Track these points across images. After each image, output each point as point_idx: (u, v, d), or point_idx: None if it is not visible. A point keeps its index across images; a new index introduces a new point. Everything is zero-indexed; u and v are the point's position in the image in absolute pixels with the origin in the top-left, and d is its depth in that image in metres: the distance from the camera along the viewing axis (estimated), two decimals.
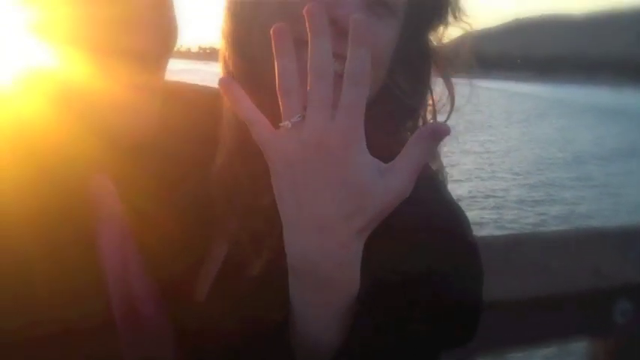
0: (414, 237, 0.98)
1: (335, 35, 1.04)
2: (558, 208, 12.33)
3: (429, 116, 1.24)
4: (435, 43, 1.19)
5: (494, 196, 12.80)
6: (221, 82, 0.90)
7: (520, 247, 1.73)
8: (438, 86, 1.25)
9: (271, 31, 0.87)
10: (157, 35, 1.08)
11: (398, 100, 1.16)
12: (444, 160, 1.27)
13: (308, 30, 0.87)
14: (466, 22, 1.20)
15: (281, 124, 0.87)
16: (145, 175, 1.00)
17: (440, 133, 0.90)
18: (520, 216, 11.69)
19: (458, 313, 1.00)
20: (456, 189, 14.21)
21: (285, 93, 0.89)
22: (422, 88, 1.19)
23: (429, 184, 1.13)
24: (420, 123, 1.22)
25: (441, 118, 1.23)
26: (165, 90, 1.12)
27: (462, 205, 1.15)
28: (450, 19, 1.20)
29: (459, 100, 1.27)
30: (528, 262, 1.68)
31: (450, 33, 1.23)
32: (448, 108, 1.20)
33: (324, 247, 0.87)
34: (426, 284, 0.99)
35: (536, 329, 1.78)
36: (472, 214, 11.72)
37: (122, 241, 1.09)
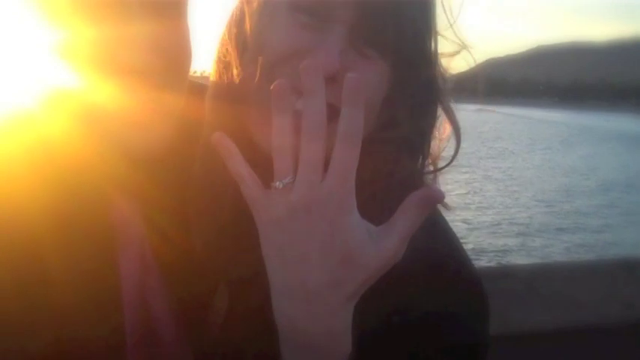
0: (411, 279, 0.95)
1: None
2: (583, 236, 12.18)
3: (438, 145, 1.23)
4: (441, 73, 1.18)
5: (517, 224, 12.66)
6: (214, 138, 0.89)
7: (547, 276, 1.68)
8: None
9: (271, 87, 0.86)
10: (160, 53, 1.08)
11: (399, 139, 1.14)
12: (467, 187, 1.25)
13: (303, 87, 0.85)
14: (470, 53, 1.19)
15: (272, 184, 0.86)
16: (163, 191, 0.99)
17: (432, 199, 0.87)
18: (544, 244, 11.54)
19: (461, 355, 0.97)
20: (479, 216, 14.02)
21: (279, 152, 0.87)
22: (425, 124, 1.17)
23: (428, 220, 1.11)
24: (428, 158, 1.21)
25: (450, 150, 1.22)
26: (181, 107, 1.12)
27: (485, 232, 1.13)
28: (453, 48, 1.19)
29: (481, 127, 1.26)
30: (555, 293, 1.63)
31: (469, 60, 1.22)
32: (455, 140, 1.19)
33: (313, 315, 0.84)
34: (428, 328, 0.96)
35: None
36: (496, 242, 11.69)
37: (142, 263, 1.08)
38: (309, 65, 0.84)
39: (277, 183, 0.85)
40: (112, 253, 1.04)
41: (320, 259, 0.85)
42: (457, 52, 1.19)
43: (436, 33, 1.17)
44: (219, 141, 0.89)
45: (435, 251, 1.04)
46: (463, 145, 1.23)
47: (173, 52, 1.10)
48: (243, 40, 1.14)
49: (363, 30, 1.05)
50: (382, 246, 0.86)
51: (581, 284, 1.62)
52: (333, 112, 1.01)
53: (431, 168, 1.19)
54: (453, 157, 1.18)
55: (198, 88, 1.21)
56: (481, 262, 8.81)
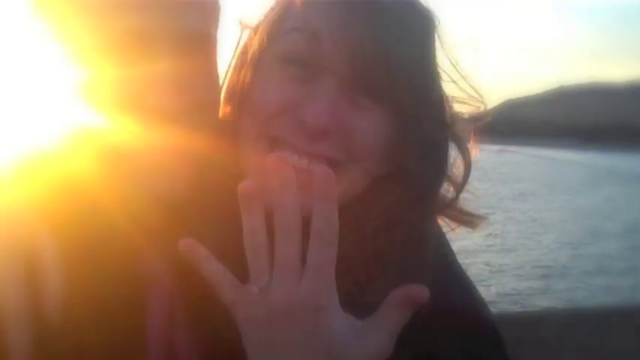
0: (428, 328, 0.94)
1: (307, 136, 1.03)
2: (608, 279, 11.99)
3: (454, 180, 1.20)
4: (451, 114, 1.17)
5: (541, 266, 12.52)
6: (182, 245, 0.89)
7: (576, 323, 1.63)
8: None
9: (238, 190, 0.84)
10: (186, 93, 1.08)
11: (408, 185, 1.12)
12: (489, 229, 1.23)
13: (274, 183, 0.83)
14: (478, 95, 1.18)
15: (248, 287, 0.85)
16: (190, 234, 0.98)
17: (415, 299, 0.85)
18: (569, 287, 11.39)
19: None
20: (502, 258, 13.83)
21: (252, 254, 0.85)
22: (435, 166, 1.16)
23: (441, 265, 1.10)
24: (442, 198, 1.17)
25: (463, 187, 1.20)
26: (205, 148, 1.12)
27: (508, 275, 1.11)
28: (465, 92, 1.19)
29: (501, 167, 1.24)
30: (585, 341, 1.58)
31: (488, 100, 1.21)
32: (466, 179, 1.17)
33: None
34: None
35: None
36: (519, 285, 11.55)
37: (170, 309, 1.07)
38: (276, 159, 0.83)
39: (253, 287, 0.84)
40: (139, 299, 1.03)
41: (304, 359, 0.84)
42: (469, 95, 1.19)
43: (437, 76, 1.16)
44: (188, 248, 0.88)
45: (451, 300, 1.02)
46: (484, 185, 1.22)
47: (199, 93, 1.09)
48: (240, 90, 1.14)
49: (355, 80, 1.05)
50: (368, 344, 0.85)
51: (612, 332, 1.56)
52: (332, 165, 1.01)
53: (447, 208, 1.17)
54: (456, 196, 1.16)
55: (227, 128, 1.20)
56: (505, 306, 8.71)
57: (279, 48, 1.10)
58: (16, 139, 1.12)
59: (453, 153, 1.18)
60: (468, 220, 1.19)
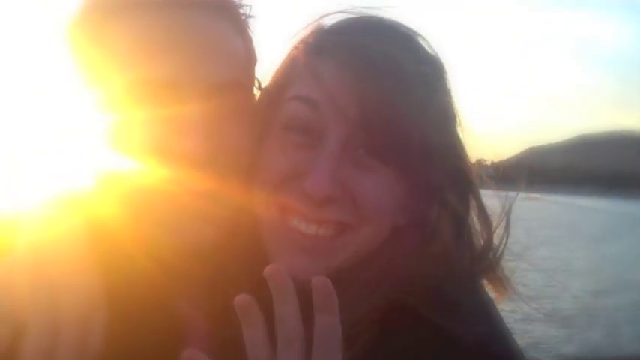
0: None
1: (312, 205, 1.04)
2: (635, 329, 11.67)
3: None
4: (468, 164, 1.16)
5: (567, 315, 12.21)
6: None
7: None
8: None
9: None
10: (217, 142, 1.09)
11: (428, 235, 1.10)
12: (513, 277, 1.22)
13: (273, 295, 0.85)
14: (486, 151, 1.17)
15: None
16: (225, 281, 0.99)
17: None
18: (595, 335, 11.10)
19: None
20: (524, 306, 13.62)
21: None
22: (456, 219, 1.14)
23: (481, 314, 1.08)
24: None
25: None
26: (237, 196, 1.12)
27: (534, 323, 1.10)
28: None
29: (525, 214, 1.24)
30: None
31: (513, 147, 1.20)
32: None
33: None
34: None
35: None
36: (545, 334, 11.28)
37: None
38: (273, 272, 0.84)
39: None
40: (175, 348, 1.00)
41: None
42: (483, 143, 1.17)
43: (449, 123, 1.15)
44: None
45: (490, 344, 1.01)
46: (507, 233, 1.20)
47: (228, 139, 1.11)
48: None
49: (357, 143, 1.05)
50: None
51: None
52: (342, 227, 1.02)
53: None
54: (483, 253, 1.13)
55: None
56: (532, 354, 8.49)
57: (281, 116, 1.10)
58: (46, 183, 1.13)
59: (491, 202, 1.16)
60: (501, 285, 1.16)
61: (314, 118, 1.04)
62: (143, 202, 1.07)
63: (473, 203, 1.15)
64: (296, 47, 1.12)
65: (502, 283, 1.15)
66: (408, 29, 1.12)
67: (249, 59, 1.16)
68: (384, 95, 1.03)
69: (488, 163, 1.23)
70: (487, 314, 1.07)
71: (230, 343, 1.02)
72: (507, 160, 1.23)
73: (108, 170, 1.09)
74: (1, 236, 1.02)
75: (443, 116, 1.12)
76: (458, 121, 1.15)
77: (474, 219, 1.15)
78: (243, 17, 1.16)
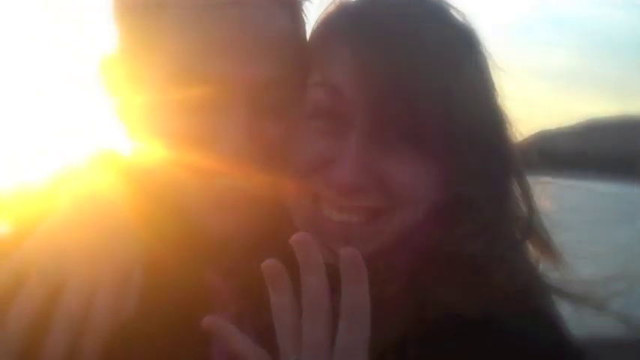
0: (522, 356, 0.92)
1: (340, 196, 1.02)
2: None
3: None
4: (508, 141, 1.12)
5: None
6: (207, 322, 0.88)
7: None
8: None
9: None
10: (260, 144, 1.07)
11: (468, 213, 1.08)
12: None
13: (300, 264, 0.83)
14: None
15: None
16: (253, 266, 0.99)
17: None
18: (604, 320, 11.04)
19: None
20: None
21: (280, 333, 0.86)
22: (495, 193, 1.11)
23: (531, 311, 1.05)
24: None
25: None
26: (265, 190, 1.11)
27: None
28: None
29: (536, 198, 1.21)
30: None
31: (522, 131, 1.17)
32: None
33: None
34: None
35: None
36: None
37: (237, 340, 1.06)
38: (301, 239, 0.82)
39: None
40: (203, 316, 1.02)
41: None
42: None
43: (484, 95, 1.10)
44: (213, 325, 0.88)
45: (543, 343, 0.99)
46: None
47: (272, 140, 1.08)
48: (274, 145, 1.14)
49: (384, 128, 1.03)
50: None
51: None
52: (375, 213, 0.99)
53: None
54: (524, 235, 1.10)
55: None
56: None
57: (305, 104, 1.08)
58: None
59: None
60: (547, 250, 1.14)
61: (338, 104, 1.02)
62: (176, 193, 1.07)
63: (514, 178, 1.12)
64: (317, 30, 1.10)
65: (548, 247, 1.15)
66: (436, 3, 1.08)
67: (300, 49, 1.13)
68: (408, 78, 1.00)
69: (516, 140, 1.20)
70: (540, 309, 1.07)
71: (257, 316, 1.04)
72: (517, 144, 1.21)
73: (143, 164, 1.08)
74: (44, 197, 1.03)
75: (476, 93, 1.08)
76: (496, 94, 1.12)
77: (515, 191, 1.13)
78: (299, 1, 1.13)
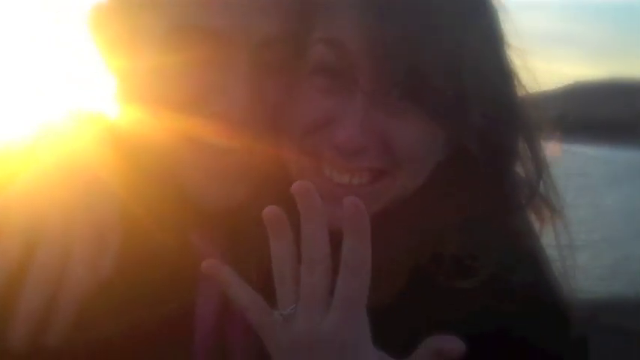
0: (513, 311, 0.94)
1: (342, 156, 0.99)
2: (624, 285, 11.78)
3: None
4: (516, 97, 1.10)
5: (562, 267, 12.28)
6: (206, 266, 0.86)
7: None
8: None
9: (263, 214, 0.82)
10: (262, 105, 1.04)
11: (471, 168, 1.09)
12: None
13: (300, 212, 0.82)
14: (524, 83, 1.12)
15: (275, 312, 0.85)
16: (247, 236, 0.97)
17: (450, 353, 0.84)
18: (587, 286, 11.22)
19: None
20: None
21: (279, 281, 0.85)
22: (501, 150, 1.12)
23: (526, 259, 1.04)
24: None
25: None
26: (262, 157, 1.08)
27: None
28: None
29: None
30: None
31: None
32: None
33: None
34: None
35: None
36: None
37: (222, 307, 1.10)
38: (302, 186, 0.81)
39: (277, 314, 0.84)
40: (188, 288, 1.06)
41: None
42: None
43: (492, 50, 1.07)
44: (213, 270, 0.86)
45: (536, 293, 1.02)
46: None
47: (272, 100, 1.05)
48: (273, 104, 1.12)
49: (388, 87, 1.01)
50: None
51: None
52: (377, 174, 0.97)
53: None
54: (530, 197, 1.09)
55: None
56: None
57: (307, 60, 1.06)
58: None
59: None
60: (548, 211, 1.14)
61: (342, 61, 1.00)
62: (168, 158, 1.04)
63: (520, 135, 1.12)
64: None
65: (550, 208, 1.15)
66: None
67: (303, 5, 1.11)
68: (416, 36, 0.98)
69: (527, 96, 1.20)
70: (533, 259, 1.07)
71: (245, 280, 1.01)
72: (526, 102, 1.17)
73: (129, 126, 1.05)
74: (22, 155, 1.01)
75: (485, 51, 1.07)
76: (504, 48, 1.10)
77: (521, 150, 1.13)
78: None
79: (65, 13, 1.15)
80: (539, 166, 1.12)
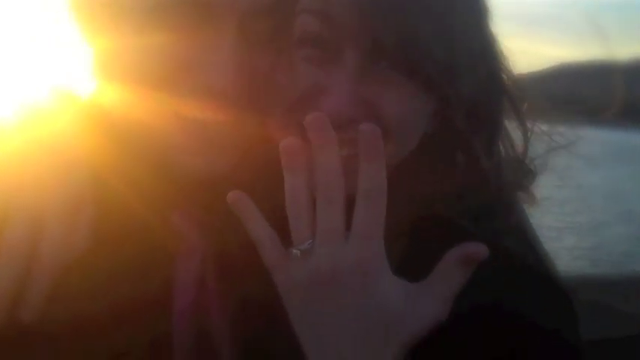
0: (501, 283, 0.92)
1: (332, 126, 0.98)
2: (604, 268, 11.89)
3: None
4: (504, 71, 1.10)
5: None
6: (230, 197, 0.85)
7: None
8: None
9: (280, 146, 0.82)
10: (248, 78, 1.03)
11: (457, 142, 1.09)
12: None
13: (312, 144, 0.80)
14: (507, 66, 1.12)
15: (290, 250, 0.82)
16: (222, 208, 0.96)
17: (474, 256, 0.83)
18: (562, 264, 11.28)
19: None
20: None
21: (294, 216, 0.83)
22: (486, 124, 1.12)
23: (516, 232, 1.05)
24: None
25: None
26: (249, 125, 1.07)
27: None
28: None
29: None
30: None
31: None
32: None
33: None
34: (516, 331, 0.92)
35: None
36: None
37: (201, 276, 1.08)
38: (316, 118, 0.80)
39: (295, 250, 0.82)
40: (165, 264, 1.03)
41: (353, 327, 0.80)
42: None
43: (479, 25, 1.08)
44: (237, 200, 0.84)
45: (526, 259, 1.01)
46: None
47: (260, 73, 1.04)
48: (258, 75, 1.09)
49: (376, 56, 0.99)
50: (422, 309, 0.82)
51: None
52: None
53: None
54: (517, 173, 1.10)
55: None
56: None
57: (293, 31, 1.03)
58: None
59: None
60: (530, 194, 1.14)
61: (328, 31, 0.98)
62: (150, 133, 1.02)
63: (508, 111, 1.12)
64: None
65: (534, 188, 1.16)
66: None
67: None
68: (400, 3, 0.97)
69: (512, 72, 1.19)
70: (522, 229, 1.07)
71: (227, 261, 1.03)
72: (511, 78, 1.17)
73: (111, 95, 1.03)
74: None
75: (475, 22, 1.06)
76: (489, 23, 1.09)
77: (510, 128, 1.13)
78: None
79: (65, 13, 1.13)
80: (526, 141, 1.12)
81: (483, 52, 1.09)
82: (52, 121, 1.06)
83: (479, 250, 0.82)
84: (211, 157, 1.05)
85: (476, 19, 1.09)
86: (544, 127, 1.21)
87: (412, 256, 0.89)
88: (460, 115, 1.06)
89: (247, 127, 1.06)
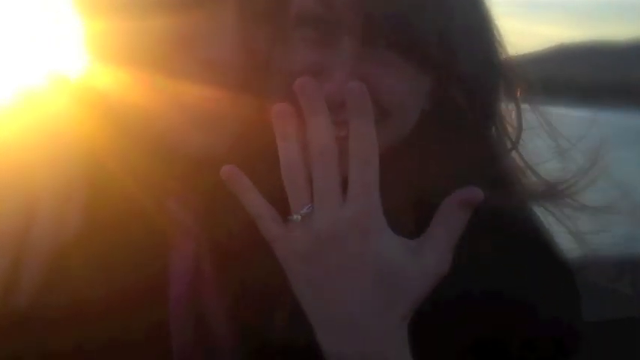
0: (499, 259, 0.91)
1: (330, 109, 0.96)
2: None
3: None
4: (500, 56, 1.10)
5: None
6: (224, 172, 0.84)
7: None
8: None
9: (272, 112, 0.80)
10: (249, 51, 1.01)
11: (456, 119, 1.06)
12: None
13: (303, 108, 0.79)
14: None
15: (289, 218, 0.81)
16: (220, 190, 0.94)
17: (471, 200, 0.82)
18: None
19: (555, 345, 0.92)
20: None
21: (291, 183, 0.82)
22: (484, 104, 1.09)
23: (516, 209, 1.04)
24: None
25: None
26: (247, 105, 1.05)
27: None
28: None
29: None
30: None
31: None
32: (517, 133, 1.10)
33: (363, 346, 0.78)
34: (517, 314, 0.91)
35: None
36: None
37: (196, 261, 1.05)
38: (306, 82, 0.79)
39: (295, 216, 0.80)
40: (160, 252, 1.01)
41: (358, 288, 0.79)
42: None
43: (478, 10, 1.06)
44: (231, 175, 0.84)
45: (526, 236, 0.99)
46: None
47: (262, 47, 1.02)
48: (258, 54, 1.05)
49: (374, 36, 0.97)
50: (426, 261, 0.81)
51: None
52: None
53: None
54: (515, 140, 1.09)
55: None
56: None
57: (291, 10, 1.01)
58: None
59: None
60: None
61: (326, 12, 0.96)
62: (148, 114, 1.00)
63: (503, 93, 1.10)
64: None
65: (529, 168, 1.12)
66: None
67: None
68: None
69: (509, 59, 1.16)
70: (523, 207, 1.05)
71: (222, 247, 1.00)
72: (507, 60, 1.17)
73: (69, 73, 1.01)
74: None
75: (473, 3, 1.05)
76: (487, 5, 1.07)
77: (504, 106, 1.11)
78: None
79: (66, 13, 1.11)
80: (520, 120, 1.12)
81: (480, 31, 1.08)
82: (46, 105, 1.04)
83: (474, 194, 0.82)
84: (209, 138, 1.03)
85: (476, 3, 1.07)
86: (540, 108, 1.20)
87: (417, 234, 0.88)
88: (457, 93, 1.05)
89: (245, 107, 1.04)
